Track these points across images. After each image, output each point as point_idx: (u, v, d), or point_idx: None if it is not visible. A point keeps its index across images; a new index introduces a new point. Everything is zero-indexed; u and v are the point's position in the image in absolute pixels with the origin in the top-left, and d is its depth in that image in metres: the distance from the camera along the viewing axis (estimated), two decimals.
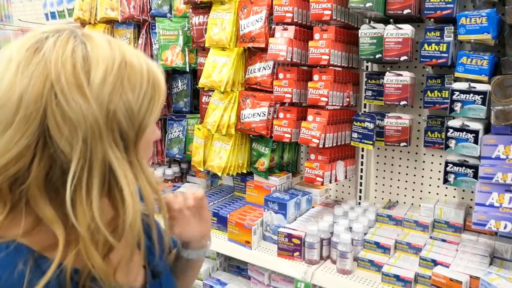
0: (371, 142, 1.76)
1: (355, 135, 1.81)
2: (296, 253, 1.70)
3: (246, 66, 2.05)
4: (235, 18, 1.99)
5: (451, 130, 1.55)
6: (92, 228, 0.63)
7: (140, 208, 0.68)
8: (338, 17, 1.74)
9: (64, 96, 0.61)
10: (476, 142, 1.50)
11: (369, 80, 1.87)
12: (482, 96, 1.48)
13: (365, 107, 1.95)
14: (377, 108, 1.94)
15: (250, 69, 2.02)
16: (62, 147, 0.62)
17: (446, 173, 1.61)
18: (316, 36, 1.76)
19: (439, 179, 1.89)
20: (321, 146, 1.75)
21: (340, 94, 1.81)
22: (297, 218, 1.90)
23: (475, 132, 1.50)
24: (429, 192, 1.94)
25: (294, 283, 1.67)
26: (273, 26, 1.90)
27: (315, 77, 1.80)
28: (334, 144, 1.82)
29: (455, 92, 1.53)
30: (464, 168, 1.57)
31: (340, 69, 1.84)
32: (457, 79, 1.59)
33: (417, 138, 1.91)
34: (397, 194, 2.02)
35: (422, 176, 1.94)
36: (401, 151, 1.98)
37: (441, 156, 1.87)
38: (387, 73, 1.71)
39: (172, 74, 2.43)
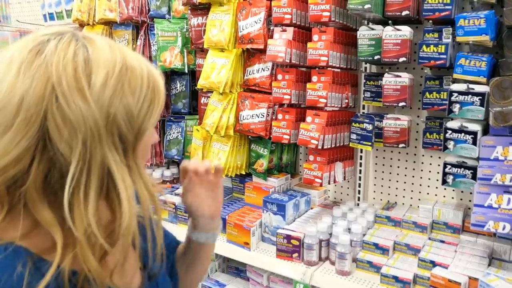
0: (369, 143, 1.77)
1: (353, 136, 1.81)
2: (295, 254, 1.70)
3: (245, 67, 2.05)
4: (233, 19, 1.99)
5: (449, 131, 1.55)
6: (89, 232, 0.63)
7: (136, 211, 0.68)
8: (336, 18, 1.74)
9: (65, 99, 0.61)
10: (474, 143, 1.50)
11: (367, 82, 1.88)
12: (480, 97, 1.48)
13: (363, 108, 1.95)
14: (376, 109, 1.95)
15: (249, 70, 2.02)
16: (62, 149, 0.62)
17: (444, 174, 1.62)
18: (315, 37, 1.76)
19: (437, 180, 1.90)
20: (320, 147, 1.75)
21: (338, 95, 1.81)
22: (296, 219, 1.90)
23: (474, 133, 1.50)
24: (428, 193, 1.94)
25: (293, 284, 1.67)
26: (271, 28, 1.91)
27: (314, 78, 1.80)
28: (333, 145, 1.82)
29: (453, 94, 1.53)
30: (462, 169, 1.57)
31: (339, 70, 1.84)
32: (455, 81, 1.60)
33: (416, 139, 1.91)
34: (396, 195, 2.02)
35: (421, 177, 1.95)
36: (399, 152, 1.98)
37: (439, 157, 1.87)
38: (385, 75, 1.71)
39: (170, 75, 2.43)
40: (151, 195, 0.72)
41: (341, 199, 2.17)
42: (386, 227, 1.81)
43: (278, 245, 1.73)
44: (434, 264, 1.50)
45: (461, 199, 1.87)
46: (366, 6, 1.57)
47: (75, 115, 0.61)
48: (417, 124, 1.89)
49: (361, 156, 2.03)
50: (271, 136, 1.93)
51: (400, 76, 1.69)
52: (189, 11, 2.20)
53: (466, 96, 1.51)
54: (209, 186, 1.01)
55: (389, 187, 2.03)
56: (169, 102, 2.46)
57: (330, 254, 1.67)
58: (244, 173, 2.15)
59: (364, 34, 1.72)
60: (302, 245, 1.68)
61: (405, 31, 1.62)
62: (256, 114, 1.97)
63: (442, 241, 1.67)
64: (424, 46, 1.60)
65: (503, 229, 1.40)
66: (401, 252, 1.66)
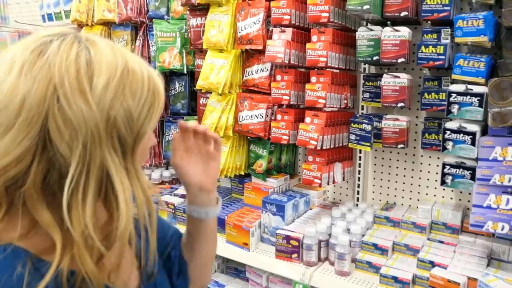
0: (368, 144, 1.77)
1: (352, 137, 1.81)
2: (294, 255, 1.70)
3: (244, 68, 2.05)
4: (232, 20, 1.99)
5: (448, 132, 1.56)
6: (86, 234, 0.64)
7: (133, 213, 0.69)
8: (335, 19, 1.74)
9: (67, 101, 0.61)
10: (473, 144, 1.50)
11: (366, 82, 1.88)
12: (479, 98, 1.48)
13: (362, 109, 1.96)
14: (375, 110, 1.95)
15: (248, 71, 2.02)
16: (62, 150, 0.62)
17: (443, 174, 1.62)
18: (314, 38, 1.77)
19: (436, 180, 1.90)
20: (319, 148, 1.75)
21: (337, 96, 1.82)
22: (295, 219, 1.90)
23: (472, 134, 1.50)
24: (427, 194, 1.94)
25: (292, 285, 1.67)
26: (270, 28, 1.91)
27: (313, 79, 1.80)
28: (332, 146, 1.83)
29: (452, 94, 1.53)
30: (461, 169, 1.58)
31: (338, 71, 1.84)
32: (454, 81, 1.60)
33: (415, 140, 1.91)
34: (395, 196, 2.03)
35: (420, 178, 1.95)
36: (398, 153, 1.98)
37: (438, 158, 1.88)
38: (384, 75, 1.72)
39: (169, 76, 2.43)
40: (147, 198, 0.73)
41: (340, 200, 2.18)
42: (385, 227, 1.81)
43: (277, 246, 1.73)
44: (433, 264, 1.51)
45: (459, 200, 1.87)
46: (365, 7, 1.57)
47: (76, 116, 0.61)
48: (416, 124, 1.90)
49: (360, 157, 2.03)
50: (270, 136, 1.93)
51: (399, 77, 1.69)
52: (188, 12, 2.20)
53: (464, 97, 1.51)
54: (204, 155, 0.97)
55: (388, 187, 2.03)
56: (168, 102, 2.46)
57: (330, 255, 1.68)
58: (243, 173, 2.15)
59: (363, 34, 1.72)
60: (301, 246, 1.68)
61: (404, 32, 1.62)
62: (255, 115, 1.97)
63: (441, 242, 1.67)
64: (422, 47, 1.61)
65: (502, 229, 1.40)
66: (400, 252, 1.66)
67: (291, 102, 1.85)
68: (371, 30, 1.70)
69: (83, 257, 0.64)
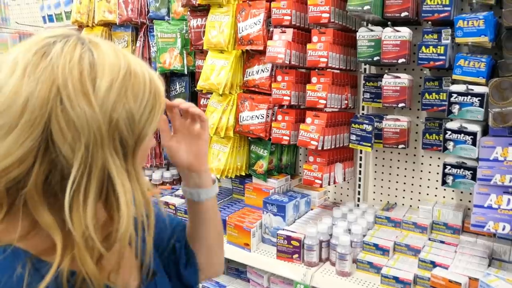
0: (369, 144, 1.77)
1: (353, 137, 1.81)
2: (295, 255, 1.70)
3: (244, 69, 2.05)
4: (233, 20, 1.99)
5: (449, 132, 1.56)
6: (87, 235, 0.64)
7: (133, 214, 0.69)
8: (336, 19, 1.74)
9: (70, 102, 0.61)
10: (474, 144, 1.50)
11: (367, 83, 1.88)
12: (479, 98, 1.48)
13: (363, 109, 1.96)
14: (375, 110, 1.95)
15: (249, 71, 2.03)
16: (64, 152, 0.62)
17: (444, 175, 1.62)
18: (314, 38, 1.77)
19: (437, 181, 1.90)
20: (319, 148, 1.76)
21: (338, 97, 1.82)
22: (296, 220, 1.90)
23: (473, 134, 1.50)
24: (428, 194, 1.94)
25: (293, 286, 1.67)
26: (271, 29, 1.91)
27: (313, 79, 1.80)
28: (333, 146, 1.83)
29: (453, 94, 1.53)
30: (462, 170, 1.58)
31: (338, 71, 1.84)
32: (454, 82, 1.60)
33: (415, 140, 1.91)
34: (396, 196, 2.03)
35: (421, 178, 1.95)
36: (399, 153, 1.98)
37: (439, 158, 1.88)
38: (385, 76, 1.72)
39: (170, 76, 2.43)
40: (146, 199, 0.73)
41: (341, 200, 2.18)
42: (386, 227, 1.81)
43: (279, 246, 1.73)
44: (434, 264, 1.51)
45: (460, 200, 1.87)
46: (366, 8, 1.57)
47: (79, 118, 0.61)
48: (417, 125, 1.90)
49: (360, 157, 2.03)
50: (271, 137, 1.94)
51: (399, 77, 1.69)
52: (188, 13, 2.20)
53: (465, 97, 1.51)
54: (191, 135, 0.96)
55: (389, 188, 2.03)
56: None
57: (331, 255, 1.68)
58: (244, 174, 2.15)
59: (364, 35, 1.72)
60: (302, 246, 1.68)
61: (405, 32, 1.62)
62: (256, 115, 1.97)
63: (442, 242, 1.67)
64: (423, 47, 1.61)
65: (503, 229, 1.40)
66: (401, 252, 1.66)
67: (292, 103, 1.85)
68: (372, 30, 1.70)
69: (83, 258, 0.64)
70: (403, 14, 1.61)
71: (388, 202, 2.04)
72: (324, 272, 1.63)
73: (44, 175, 0.64)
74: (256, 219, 1.89)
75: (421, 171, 1.94)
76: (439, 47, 1.58)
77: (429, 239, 1.71)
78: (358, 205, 2.03)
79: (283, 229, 1.78)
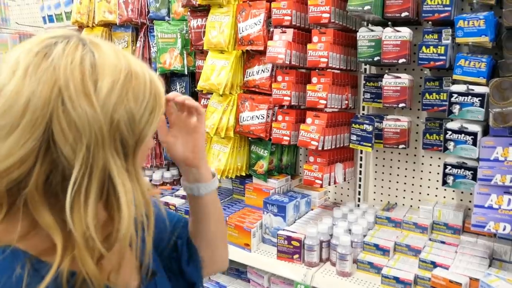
0: (370, 144, 1.77)
1: (354, 137, 1.81)
2: (296, 256, 1.70)
3: (245, 69, 2.05)
4: (233, 21, 1.99)
5: (449, 132, 1.56)
6: (87, 235, 0.64)
7: (134, 215, 0.69)
8: (336, 20, 1.74)
9: (72, 103, 0.61)
10: (474, 144, 1.50)
11: (367, 83, 1.88)
12: (480, 98, 1.48)
13: (363, 109, 1.96)
14: (376, 110, 1.95)
15: (249, 72, 2.03)
16: (66, 153, 0.62)
17: (445, 175, 1.62)
18: (315, 39, 1.77)
19: (437, 181, 1.90)
20: (320, 148, 1.75)
21: (338, 97, 1.82)
22: (296, 220, 1.90)
23: (474, 134, 1.50)
24: (428, 194, 1.94)
25: (293, 286, 1.67)
26: (271, 29, 1.91)
27: (314, 79, 1.80)
28: (333, 147, 1.83)
29: (453, 95, 1.53)
30: (462, 170, 1.58)
31: (339, 71, 1.84)
32: (455, 82, 1.60)
33: (416, 140, 1.91)
34: (396, 196, 2.03)
35: (421, 178, 1.95)
36: (399, 153, 1.98)
37: (439, 158, 1.88)
38: (385, 76, 1.72)
39: (170, 77, 2.43)
40: (145, 200, 0.73)
41: (341, 200, 2.17)
42: (387, 228, 1.81)
43: (279, 247, 1.73)
44: (434, 265, 1.51)
45: (461, 200, 1.87)
46: (366, 8, 1.57)
47: (81, 119, 0.61)
48: (417, 125, 1.90)
49: (361, 157, 2.03)
50: (271, 137, 1.94)
51: (400, 77, 1.69)
52: (188, 13, 2.20)
53: (466, 97, 1.51)
54: (188, 128, 0.95)
55: (389, 188, 2.03)
56: None
57: (331, 255, 1.68)
58: (244, 174, 2.15)
59: (364, 35, 1.72)
60: (302, 246, 1.68)
61: (405, 32, 1.62)
62: (256, 116, 1.97)
63: (443, 242, 1.67)
64: (423, 47, 1.61)
65: (504, 229, 1.40)
66: (402, 253, 1.66)
67: (292, 103, 1.85)
68: (372, 30, 1.70)
69: (84, 258, 0.64)
70: (403, 14, 1.61)
71: (388, 202, 2.04)
72: (324, 273, 1.63)
73: (45, 176, 0.64)
74: (256, 219, 1.88)
75: (422, 171, 1.94)
76: (439, 47, 1.58)
77: (430, 239, 1.71)
78: (358, 205, 2.02)
79: (284, 229, 1.78)
